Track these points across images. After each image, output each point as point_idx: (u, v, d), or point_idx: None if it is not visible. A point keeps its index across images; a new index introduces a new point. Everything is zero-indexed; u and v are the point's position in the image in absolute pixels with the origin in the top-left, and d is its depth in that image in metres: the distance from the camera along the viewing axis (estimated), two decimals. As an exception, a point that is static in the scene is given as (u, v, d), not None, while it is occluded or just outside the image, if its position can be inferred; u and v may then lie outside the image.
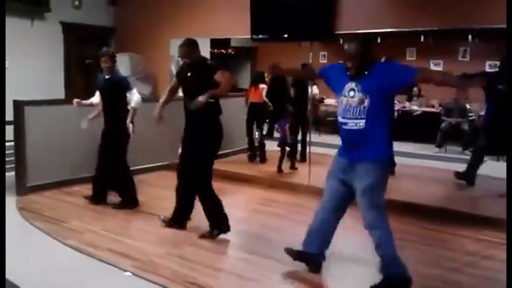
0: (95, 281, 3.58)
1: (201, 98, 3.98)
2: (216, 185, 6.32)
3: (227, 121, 7.85)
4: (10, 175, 5.88)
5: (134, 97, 5.13)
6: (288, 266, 3.76)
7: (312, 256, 3.61)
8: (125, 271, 3.67)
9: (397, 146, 8.32)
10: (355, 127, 3.25)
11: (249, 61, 14.06)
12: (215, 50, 12.08)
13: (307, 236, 3.62)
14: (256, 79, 8.01)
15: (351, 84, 3.25)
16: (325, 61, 11.52)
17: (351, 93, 3.24)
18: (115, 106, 5.14)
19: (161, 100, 4.56)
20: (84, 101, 5.39)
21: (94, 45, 9.93)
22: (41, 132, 5.68)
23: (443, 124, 9.13)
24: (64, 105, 5.71)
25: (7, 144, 6.03)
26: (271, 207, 5.52)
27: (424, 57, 10.59)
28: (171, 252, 4.04)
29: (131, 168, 5.56)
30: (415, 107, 10.13)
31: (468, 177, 6.26)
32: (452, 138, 9.16)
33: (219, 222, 4.37)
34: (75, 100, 5.35)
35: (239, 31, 8.62)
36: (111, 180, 5.30)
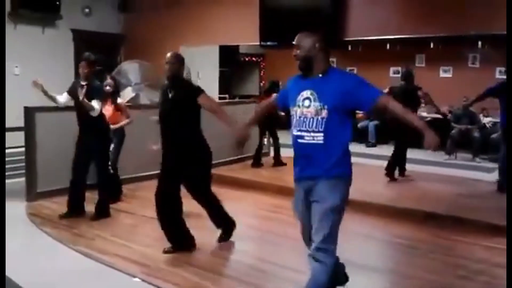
0: (104, 286, 3.59)
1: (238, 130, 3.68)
2: (225, 191, 6.33)
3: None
4: (20, 180, 5.95)
5: (96, 105, 4.97)
6: (299, 274, 3.74)
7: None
8: (134, 277, 3.68)
9: (407, 153, 8.30)
10: (312, 141, 2.86)
11: (257, 68, 14.10)
12: (224, 57, 12.14)
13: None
14: (270, 88, 7.88)
15: (306, 93, 2.89)
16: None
17: (306, 102, 2.88)
18: (87, 114, 4.98)
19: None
20: (47, 91, 5.09)
21: (104, 52, 10.04)
22: (51, 138, 5.72)
23: (453, 131, 9.08)
24: (74, 111, 5.72)
25: (18, 150, 6.09)
26: (280, 214, 5.49)
27: (433, 63, 10.56)
28: (180, 258, 4.04)
29: (136, 175, 5.54)
30: (424, 114, 10.08)
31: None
32: (462, 145, 9.10)
33: (226, 225, 4.44)
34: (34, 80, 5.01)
35: (247, 38, 8.67)
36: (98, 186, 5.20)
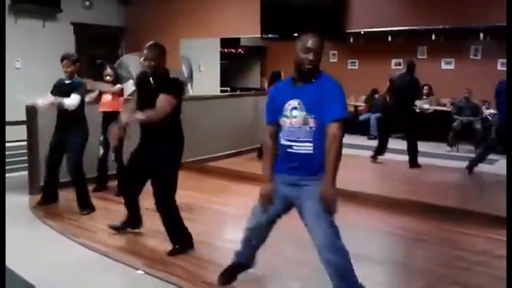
0: (107, 279, 3.61)
1: (139, 115, 3.78)
2: (228, 185, 6.35)
3: (238, 120, 7.91)
4: (23, 174, 5.97)
5: (72, 100, 4.94)
6: (300, 265, 3.77)
7: (243, 265, 3.42)
8: (137, 269, 3.70)
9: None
10: (302, 151, 2.86)
11: (259, 61, 14.07)
12: (225, 50, 12.13)
13: (244, 248, 3.35)
14: (273, 78, 7.73)
15: (294, 102, 2.85)
16: (335, 60, 11.50)
17: (294, 112, 2.85)
18: (76, 110, 4.99)
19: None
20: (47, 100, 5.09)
21: (105, 45, 10.04)
22: (53, 132, 5.71)
23: (454, 123, 9.07)
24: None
25: (20, 144, 6.10)
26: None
27: (435, 55, 10.53)
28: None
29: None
30: (426, 106, 10.07)
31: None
32: (464, 137, 9.10)
33: (182, 238, 4.08)
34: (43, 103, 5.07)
35: (249, 30, 8.65)
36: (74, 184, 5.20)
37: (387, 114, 7.82)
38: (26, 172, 5.88)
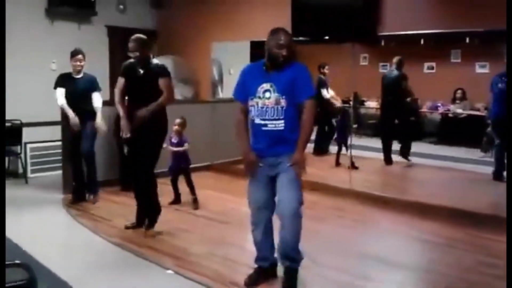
0: (138, 278, 3.66)
1: (145, 112, 4.18)
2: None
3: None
4: (57, 173, 6.11)
5: (99, 98, 5.38)
6: (330, 270, 3.75)
7: (269, 269, 3.58)
8: (167, 269, 3.73)
9: (441, 150, 8.15)
10: (275, 128, 3.21)
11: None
12: (255, 52, 12.14)
13: (259, 251, 3.58)
14: None
15: (266, 85, 3.21)
16: (366, 63, 11.40)
17: (267, 94, 3.20)
18: (89, 102, 5.33)
19: (121, 111, 4.41)
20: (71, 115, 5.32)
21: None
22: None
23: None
24: (109, 106, 5.82)
25: (57, 144, 6.26)
26: (311, 210, 5.46)
27: (469, 59, 10.33)
28: (214, 252, 4.07)
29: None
30: (459, 110, 9.89)
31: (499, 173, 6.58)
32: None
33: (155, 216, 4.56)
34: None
35: (279, 33, 8.62)
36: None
37: (382, 113, 7.97)
38: (59, 172, 6.03)
